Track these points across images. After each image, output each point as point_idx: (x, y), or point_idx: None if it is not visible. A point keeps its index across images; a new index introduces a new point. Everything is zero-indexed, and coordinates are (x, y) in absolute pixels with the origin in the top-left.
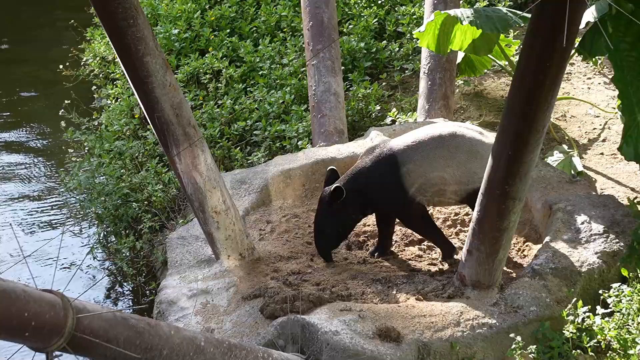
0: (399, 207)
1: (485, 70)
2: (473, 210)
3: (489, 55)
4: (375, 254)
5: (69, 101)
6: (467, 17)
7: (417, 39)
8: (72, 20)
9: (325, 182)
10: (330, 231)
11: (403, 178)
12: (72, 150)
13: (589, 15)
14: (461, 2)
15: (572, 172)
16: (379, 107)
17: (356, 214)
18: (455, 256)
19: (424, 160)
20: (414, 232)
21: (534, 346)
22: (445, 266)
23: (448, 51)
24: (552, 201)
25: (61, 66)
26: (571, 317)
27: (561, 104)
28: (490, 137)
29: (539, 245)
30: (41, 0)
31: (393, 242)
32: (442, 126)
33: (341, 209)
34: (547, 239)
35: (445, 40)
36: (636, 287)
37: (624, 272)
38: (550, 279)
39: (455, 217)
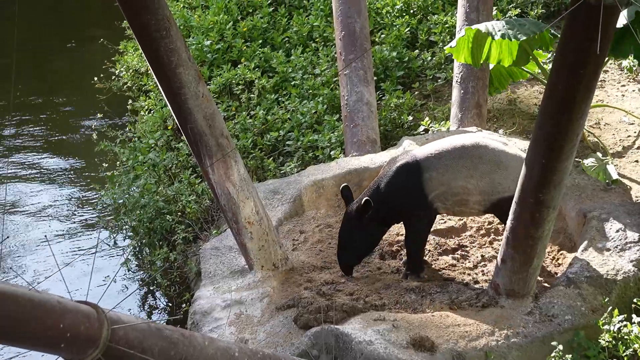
0: (416, 210)
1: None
2: (499, 219)
3: (522, 68)
4: None
5: (101, 115)
6: (499, 30)
7: (451, 54)
8: (102, 39)
9: (344, 200)
10: (358, 246)
11: (424, 183)
12: (105, 165)
13: (620, 19)
14: (494, 11)
15: (607, 180)
16: (411, 118)
17: (382, 226)
18: (419, 277)
19: (447, 169)
20: (406, 239)
21: (570, 355)
22: (480, 276)
23: (481, 62)
24: (586, 209)
25: (95, 78)
26: (607, 326)
27: (595, 112)
28: (513, 147)
29: (574, 254)
30: (74, 12)
31: (426, 252)
32: (465, 136)
33: (368, 222)
34: (581, 247)
35: (478, 53)
36: None
37: None
38: (585, 288)
39: (489, 226)
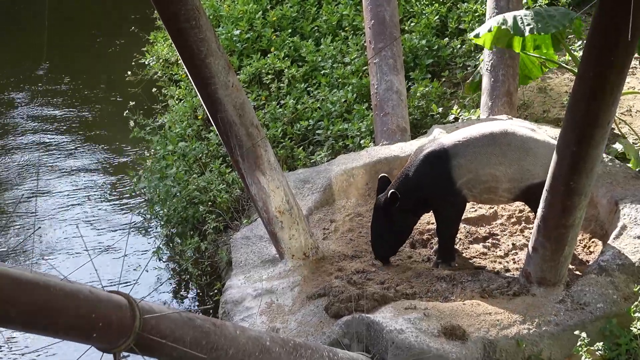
0: (443, 197)
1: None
2: (529, 207)
3: (551, 60)
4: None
5: (133, 103)
6: (528, 24)
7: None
8: (133, 27)
9: (377, 190)
10: (391, 237)
11: (452, 170)
12: (138, 154)
13: None
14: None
15: (638, 167)
16: (440, 109)
17: (412, 215)
18: (450, 266)
19: (476, 156)
20: (437, 228)
21: (601, 343)
22: (511, 264)
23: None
24: (618, 197)
25: (129, 72)
26: (638, 314)
27: (626, 99)
28: (542, 133)
29: (605, 242)
30: (104, 3)
31: (457, 240)
32: (493, 123)
33: (398, 213)
34: (613, 235)
35: (505, 39)
36: None
37: None
38: (617, 276)
39: (520, 214)
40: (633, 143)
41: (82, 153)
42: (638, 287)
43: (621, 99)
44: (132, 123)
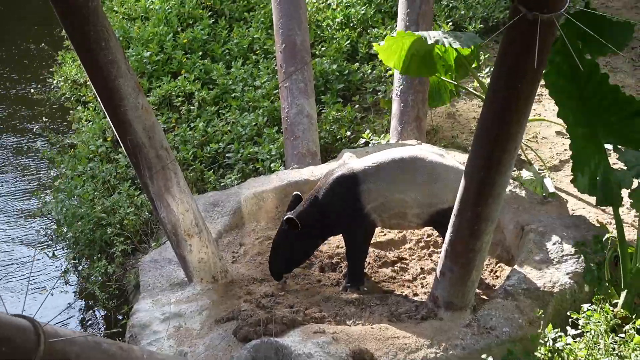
0: (353, 221)
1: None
2: (437, 232)
3: (460, 85)
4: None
5: (38, 127)
6: (434, 37)
7: (380, 57)
8: (43, 44)
9: (288, 207)
10: (289, 256)
11: (361, 195)
12: (48, 176)
13: None
14: (433, 26)
15: (544, 193)
16: (349, 133)
17: (317, 239)
18: (359, 290)
19: (385, 182)
20: (346, 252)
21: None
22: (419, 288)
23: (408, 71)
24: (524, 222)
25: (32, 90)
26: (542, 340)
27: (532, 126)
28: (451, 159)
29: (512, 267)
30: (10, 20)
31: (366, 264)
32: (403, 149)
33: (302, 233)
34: (519, 259)
35: (409, 63)
36: (604, 308)
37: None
38: (522, 300)
39: (428, 239)
40: (539, 169)
41: None
42: (540, 312)
43: (528, 125)
44: (46, 152)
